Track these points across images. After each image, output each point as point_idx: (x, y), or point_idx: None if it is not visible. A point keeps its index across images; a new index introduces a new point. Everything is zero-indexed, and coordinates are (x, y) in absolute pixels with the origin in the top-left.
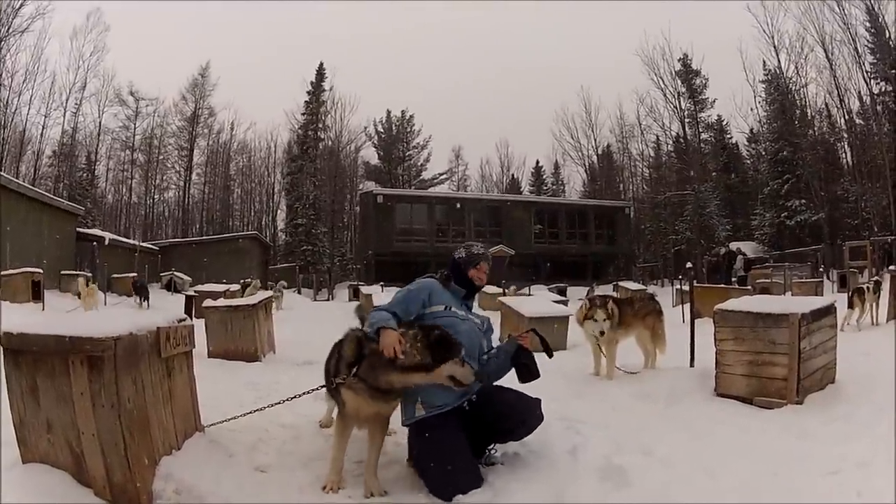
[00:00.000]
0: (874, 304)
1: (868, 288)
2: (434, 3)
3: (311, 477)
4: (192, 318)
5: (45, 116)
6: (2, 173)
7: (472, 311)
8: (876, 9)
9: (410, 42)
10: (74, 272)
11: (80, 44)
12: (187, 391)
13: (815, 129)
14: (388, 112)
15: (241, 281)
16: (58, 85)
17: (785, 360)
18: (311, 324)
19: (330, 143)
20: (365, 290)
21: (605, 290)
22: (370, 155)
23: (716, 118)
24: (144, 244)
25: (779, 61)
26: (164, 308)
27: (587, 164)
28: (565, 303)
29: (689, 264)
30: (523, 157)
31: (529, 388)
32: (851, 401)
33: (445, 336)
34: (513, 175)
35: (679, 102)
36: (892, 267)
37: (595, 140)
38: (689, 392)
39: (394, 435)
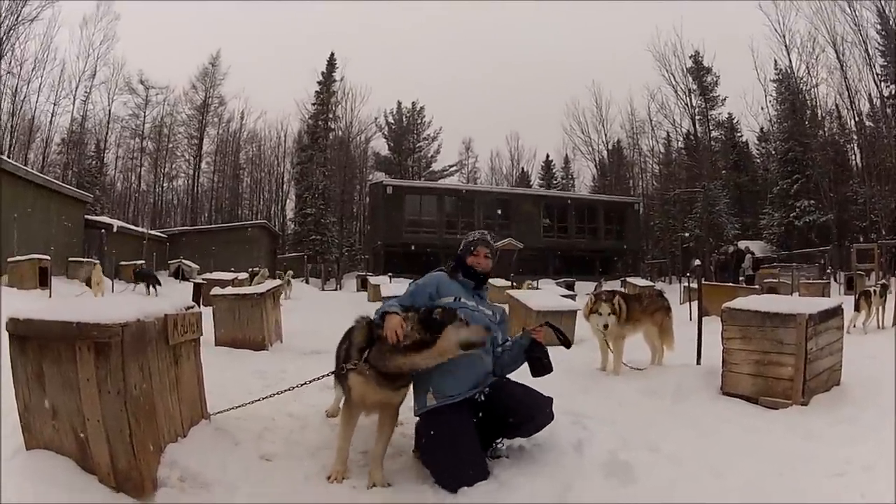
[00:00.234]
0: (881, 308)
1: (875, 291)
2: None
3: (318, 466)
4: (199, 306)
5: (55, 104)
6: (10, 160)
7: (485, 301)
8: (887, 11)
9: (423, 34)
10: (82, 259)
11: (90, 32)
12: (194, 379)
13: (826, 129)
14: (399, 103)
15: (250, 270)
16: (67, 73)
17: (791, 361)
18: (319, 313)
19: (340, 133)
20: (373, 280)
21: (612, 285)
22: (380, 146)
23: (726, 116)
24: (153, 232)
25: (790, 61)
26: (172, 296)
27: (597, 158)
28: (573, 297)
29: (697, 262)
30: (534, 151)
31: (539, 384)
32: (857, 403)
33: (441, 309)
34: (523, 168)
35: (690, 99)
36: None
37: (605, 135)
38: (696, 390)
39: (401, 426)
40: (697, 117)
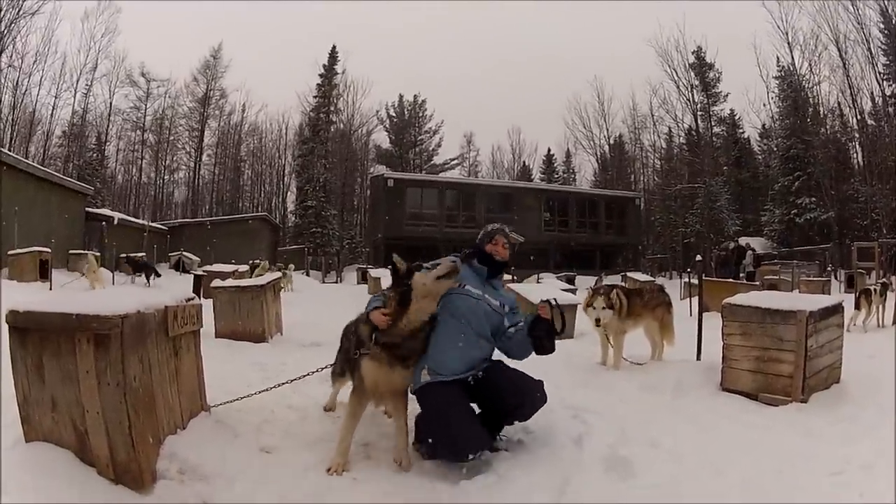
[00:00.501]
0: (881, 307)
1: (875, 290)
2: None
3: (317, 458)
4: (200, 298)
5: (56, 97)
6: (11, 153)
7: (498, 291)
8: (889, 10)
9: (425, 28)
10: (82, 251)
11: (92, 25)
12: (194, 370)
13: (827, 127)
14: (401, 96)
15: (251, 262)
16: (68, 66)
17: (791, 358)
18: (320, 306)
19: (341, 125)
20: (373, 273)
21: (613, 280)
22: (381, 139)
23: (728, 112)
24: (153, 224)
25: (792, 58)
26: (172, 288)
27: (599, 153)
28: (574, 291)
29: (698, 257)
30: (535, 145)
31: (538, 376)
32: (856, 402)
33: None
34: (524, 162)
35: (692, 95)
36: None
37: (607, 130)
38: (696, 385)
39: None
40: (699, 113)
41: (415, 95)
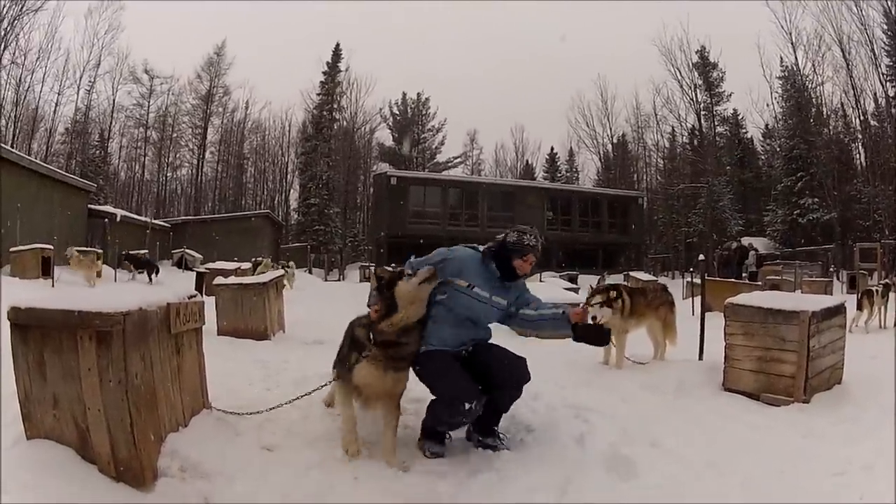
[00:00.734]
0: (883, 308)
1: (877, 291)
2: None
3: (319, 457)
4: (202, 296)
5: (59, 94)
6: (14, 150)
7: (509, 292)
8: (893, 12)
9: (429, 27)
10: (85, 248)
11: (95, 22)
12: (196, 368)
13: (830, 128)
14: (404, 94)
15: (253, 259)
16: (71, 63)
17: (794, 358)
18: (322, 304)
19: (345, 123)
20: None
21: (616, 279)
22: (384, 136)
23: (731, 112)
24: (156, 221)
25: (796, 58)
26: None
27: (602, 152)
28: (576, 291)
29: (701, 256)
30: (538, 143)
31: (540, 374)
32: (858, 403)
33: (389, 272)
34: (527, 161)
35: (695, 94)
36: None
37: (610, 129)
38: (698, 385)
39: (403, 414)
40: (703, 113)
41: (418, 93)
